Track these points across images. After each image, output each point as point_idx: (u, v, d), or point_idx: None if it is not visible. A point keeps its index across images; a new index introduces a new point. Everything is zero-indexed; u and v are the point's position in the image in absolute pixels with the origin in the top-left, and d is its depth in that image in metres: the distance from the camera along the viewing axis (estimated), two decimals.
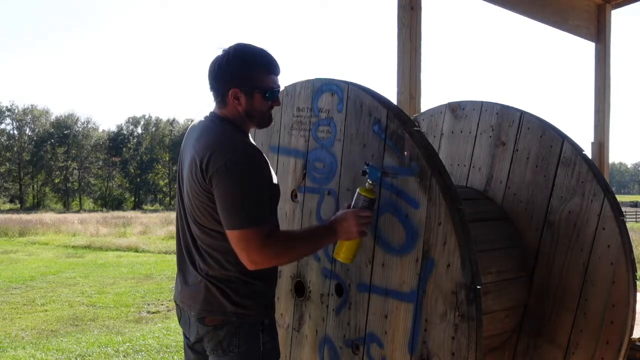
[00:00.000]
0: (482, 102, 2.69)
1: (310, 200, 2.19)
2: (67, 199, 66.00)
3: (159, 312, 6.78)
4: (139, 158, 71.53)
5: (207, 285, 1.74)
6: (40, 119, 67.81)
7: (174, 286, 1.94)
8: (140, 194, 71.95)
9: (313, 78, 2.18)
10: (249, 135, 1.83)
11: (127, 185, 71.65)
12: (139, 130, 74.12)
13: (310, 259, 2.19)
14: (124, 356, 4.85)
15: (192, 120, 1.93)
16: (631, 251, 2.21)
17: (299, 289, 2.27)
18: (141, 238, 17.17)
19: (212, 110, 1.81)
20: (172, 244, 13.36)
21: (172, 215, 26.37)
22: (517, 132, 2.51)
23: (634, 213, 37.76)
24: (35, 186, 66.48)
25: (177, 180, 1.87)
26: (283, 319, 2.33)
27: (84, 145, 67.69)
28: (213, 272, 1.73)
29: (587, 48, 4.94)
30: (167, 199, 71.35)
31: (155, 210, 48.87)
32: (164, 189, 73.24)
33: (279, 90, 1.79)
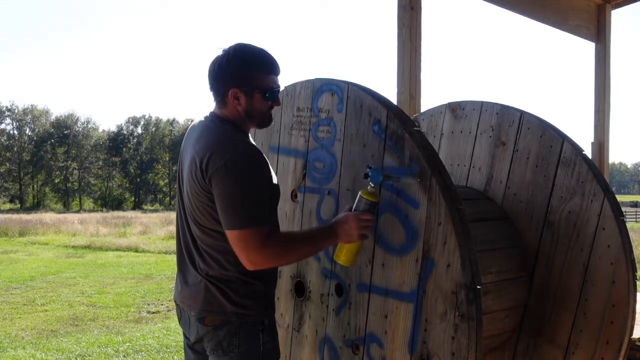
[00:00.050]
0: (482, 102, 2.69)
1: (310, 200, 2.19)
2: (67, 199, 66.01)
3: (159, 312, 6.78)
4: (139, 158, 71.53)
5: (207, 285, 1.74)
6: (40, 119, 67.82)
7: (174, 286, 1.94)
8: (140, 194, 71.96)
9: (313, 78, 2.18)
10: (249, 135, 1.83)
11: (127, 185, 71.66)
12: (139, 130, 74.15)
13: (311, 259, 2.19)
14: (124, 356, 4.85)
15: (192, 120, 1.93)
16: (631, 251, 2.22)
17: (299, 289, 2.27)
18: (141, 238, 17.17)
19: (212, 110, 1.81)
20: (172, 244, 13.36)
21: (172, 215, 26.37)
22: (517, 132, 2.51)
23: (634, 213, 37.76)
24: (35, 186, 66.49)
25: (177, 180, 1.87)
26: (283, 319, 2.33)
27: (84, 145, 67.69)
28: (213, 272, 1.73)
29: (587, 48, 4.95)
30: (167, 199, 71.34)
31: (155, 210, 48.87)
32: (164, 189, 73.25)
33: (279, 90, 1.79)
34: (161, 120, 74.89)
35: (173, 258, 10.60)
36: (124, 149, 70.80)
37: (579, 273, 2.30)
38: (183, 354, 2.21)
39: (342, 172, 2.05)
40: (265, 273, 1.76)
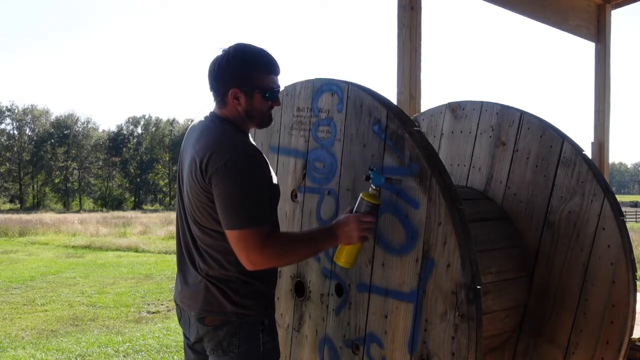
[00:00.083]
0: (482, 102, 2.69)
1: (310, 200, 2.19)
2: (67, 199, 66.01)
3: (159, 312, 6.78)
4: (139, 158, 71.53)
5: (207, 285, 1.74)
6: (40, 119, 67.82)
7: (174, 286, 1.94)
8: (140, 194, 71.96)
9: (313, 78, 2.18)
10: (249, 135, 1.83)
11: (127, 185, 71.66)
12: (139, 130, 74.15)
13: (311, 259, 2.19)
14: (124, 356, 4.85)
15: (192, 120, 1.93)
16: (631, 251, 2.21)
17: (299, 289, 2.27)
18: (141, 238, 17.17)
19: (212, 110, 1.81)
20: (172, 244, 13.36)
21: (172, 215, 26.37)
22: (517, 132, 2.51)
23: (634, 213, 37.76)
24: (35, 186, 66.49)
25: (177, 180, 1.87)
26: (283, 319, 2.33)
27: (84, 145, 67.69)
28: (213, 272, 1.73)
29: (587, 48, 4.95)
30: (167, 199, 71.35)
31: (155, 210, 48.87)
32: (164, 189, 73.25)
33: (278, 90, 1.78)
34: (161, 120, 74.92)
35: (173, 258, 10.60)
36: (124, 149, 70.79)
37: (579, 273, 2.30)
38: (183, 354, 2.21)
39: (342, 172, 2.05)
40: (265, 273, 1.76)
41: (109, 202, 64.60)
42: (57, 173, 66.06)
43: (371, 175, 1.77)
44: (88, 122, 71.10)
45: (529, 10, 4.23)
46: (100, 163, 68.52)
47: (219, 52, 1.73)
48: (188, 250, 1.80)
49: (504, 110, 2.58)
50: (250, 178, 1.63)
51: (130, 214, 35.35)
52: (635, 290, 2.20)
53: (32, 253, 13.52)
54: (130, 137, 73.13)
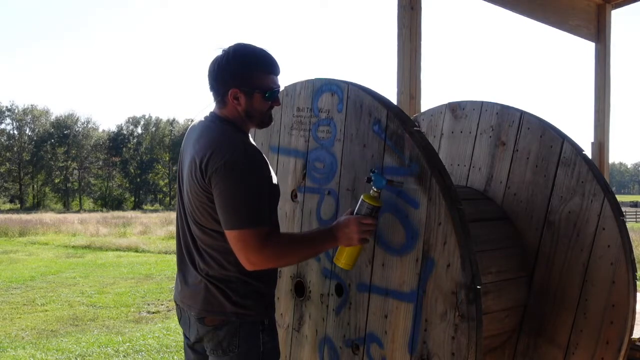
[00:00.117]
0: (482, 102, 2.69)
1: (310, 200, 2.19)
2: (67, 199, 66.01)
3: (159, 312, 6.78)
4: (139, 158, 71.53)
5: (207, 285, 1.74)
6: (40, 119, 67.82)
7: (174, 286, 1.94)
8: (140, 194, 71.95)
9: (313, 78, 2.18)
10: (249, 135, 1.83)
11: (127, 185, 71.65)
12: (139, 130, 74.14)
13: (311, 259, 2.19)
14: (124, 356, 4.85)
15: (192, 120, 1.93)
16: (631, 251, 2.21)
17: (299, 289, 2.27)
18: (141, 238, 17.17)
19: (212, 110, 1.81)
20: (172, 244, 13.36)
21: (172, 215, 26.36)
22: (517, 132, 2.51)
23: (634, 213, 37.77)
24: (35, 186, 66.48)
25: (177, 180, 1.87)
26: (283, 319, 2.33)
27: (84, 145, 67.69)
28: (213, 272, 1.73)
29: (587, 48, 4.95)
30: (167, 199, 71.35)
31: (155, 210, 48.86)
32: (164, 189, 73.25)
33: (278, 90, 1.78)
34: (161, 120, 74.90)
35: (173, 258, 10.60)
36: (124, 149, 70.79)
37: (579, 273, 2.30)
38: (183, 354, 2.21)
39: (342, 172, 2.05)
40: (265, 273, 1.76)
41: (109, 202, 64.58)
42: (57, 173, 66.06)
43: (372, 178, 1.76)
44: (88, 122, 71.15)
45: (529, 10, 4.23)
46: (100, 163, 68.52)
47: (219, 52, 1.73)
48: (188, 250, 1.80)
49: (504, 110, 2.58)
50: (250, 178, 1.62)
51: (130, 214, 35.34)
52: (635, 290, 2.20)
53: (32, 253, 13.52)
54: (130, 137, 73.13)
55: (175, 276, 1.98)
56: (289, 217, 2.29)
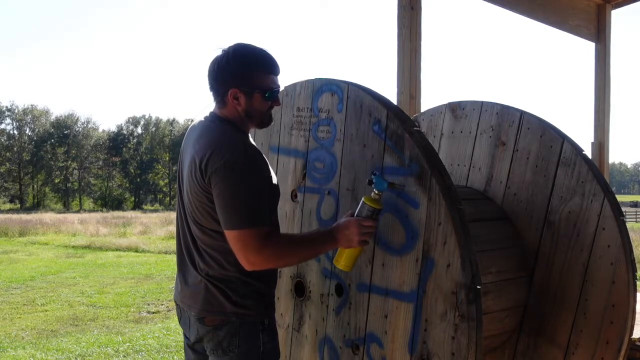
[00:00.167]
0: (482, 102, 2.69)
1: (310, 200, 2.19)
2: (67, 199, 66.00)
3: (159, 312, 6.78)
4: (139, 158, 71.52)
5: (207, 285, 1.74)
6: (40, 119, 67.81)
7: (174, 286, 1.94)
8: (140, 194, 71.95)
9: (313, 78, 2.18)
10: (249, 135, 1.83)
11: (127, 185, 71.64)
12: (139, 130, 74.13)
13: (310, 259, 2.19)
14: (124, 356, 4.85)
15: (192, 120, 1.93)
16: (631, 251, 2.21)
17: (299, 289, 2.27)
18: (141, 238, 17.17)
19: (212, 110, 1.81)
20: (172, 244, 13.36)
21: (172, 215, 26.36)
22: (517, 132, 2.51)
23: (634, 213, 37.77)
24: (35, 186, 66.48)
25: (177, 180, 1.87)
26: (283, 319, 2.33)
27: (84, 145, 67.67)
28: (213, 272, 1.73)
29: (587, 48, 4.95)
30: (167, 199, 71.34)
31: (155, 210, 48.86)
32: (164, 189, 73.23)
33: (278, 91, 1.78)
34: (161, 120, 74.88)
35: (173, 258, 10.59)
36: (124, 149, 70.78)
37: (579, 273, 2.30)
38: (183, 354, 2.21)
39: (342, 172, 2.05)
40: (265, 273, 1.76)
41: (109, 202, 64.57)
42: (57, 173, 66.05)
43: (374, 180, 1.76)
44: (88, 122, 71.15)
45: (529, 10, 4.23)
46: (100, 163, 68.50)
47: (219, 52, 1.73)
48: (188, 250, 1.80)
49: (504, 110, 2.58)
50: (249, 178, 1.62)
51: (130, 214, 35.34)
52: (635, 290, 2.20)
53: (32, 253, 13.52)
54: (130, 137, 73.11)
55: (175, 276, 1.98)
56: (289, 217, 2.29)
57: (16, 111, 66.54)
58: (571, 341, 2.32)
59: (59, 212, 44.33)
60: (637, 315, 2.30)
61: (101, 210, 49.24)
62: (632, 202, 64.60)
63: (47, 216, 28.88)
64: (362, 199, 1.77)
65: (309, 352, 2.21)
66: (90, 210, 50.21)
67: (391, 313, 1.84)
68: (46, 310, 6.84)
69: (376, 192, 1.76)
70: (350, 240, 1.75)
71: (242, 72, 1.70)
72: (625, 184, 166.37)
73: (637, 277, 2.28)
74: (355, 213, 1.78)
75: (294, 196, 2.27)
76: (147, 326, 6.00)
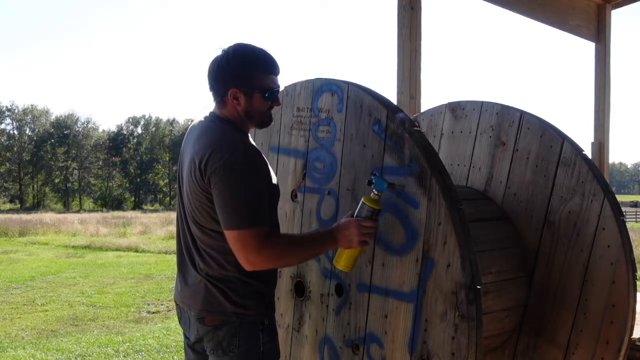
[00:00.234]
0: (482, 102, 2.69)
1: (310, 200, 2.19)
2: (67, 199, 66.00)
3: (159, 312, 6.78)
4: (139, 158, 71.53)
5: (207, 285, 1.74)
6: (40, 119, 67.81)
7: (174, 286, 1.94)
8: (140, 194, 71.94)
9: (313, 78, 2.18)
10: (249, 135, 1.83)
11: (127, 185, 71.64)
12: (139, 130, 74.13)
13: (310, 259, 2.19)
14: (124, 356, 4.85)
15: (192, 120, 1.93)
16: (631, 251, 2.21)
17: (299, 289, 2.27)
18: (141, 238, 17.17)
19: (212, 110, 1.81)
20: (172, 244, 13.36)
21: (172, 215, 26.37)
22: (517, 132, 2.51)
23: (634, 213, 37.76)
24: (35, 186, 66.47)
25: (177, 180, 1.87)
26: (283, 319, 2.33)
27: (84, 145, 67.67)
28: (213, 272, 1.73)
29: (587, 48, 4.95)
30: (167, 199, 71.34)
31: (155, 210, 48.85)
32: (164, 189, 73.23)
33: (278, 91, 1.78)
34: (161, 120, 74.88)
35: (173, 258, 10.60)
36: (124, 149, 70.78)
37: (579, 273, 2.30)
38: (183, 354, 2.21)
39: (342, 172, 2.04)
40: (265, 273, 1.76)
41: (109, 202, 64.56)
42: (57, 173, 66.04)
43: (373, 180, 1.76)
44: (88, 122, 71.13)
45: (529, 10, 4.23)
46: (100, 163, 68.50)
47: (219, 52, 1.73)
48: (188, 250, 1.80)
49: (504, 110, 2.58)
50: (249, 178, 1.62)
51: (130, 214, 35.33)
52: (635, 290, 2.20)
53: (32, 253, 13.52)
54: (130, 137, 73.11)
55: (175, 276, 1.98)
56: (289, 217, 2.29)
57: (16, 111, 66.56)
58: (571, 341, 2.32)
59: (59, 212, 44.32)
60: (637, 315, 2.30)
61: (101, 210, 49.24)
62: (632, 202, 64.60)
63: (47, 216, 28.87)
64: (362, 199, 1.77)
65: (309, 352, 2.21)
66: (90, 210, 50.20)
67: (391, 313, 1.84)
68: (46, 310, 6.84)
69: (375, 192, 1.76)
70: (350, 240, 1.75)
71: (242, 72, 1.70)
72: (625, 184, 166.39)
73: (637, 277, 2.27)
74: (355, 213, 1.78)
75: (294, 196, 2.27)
76: (147, 326, 6.00)
